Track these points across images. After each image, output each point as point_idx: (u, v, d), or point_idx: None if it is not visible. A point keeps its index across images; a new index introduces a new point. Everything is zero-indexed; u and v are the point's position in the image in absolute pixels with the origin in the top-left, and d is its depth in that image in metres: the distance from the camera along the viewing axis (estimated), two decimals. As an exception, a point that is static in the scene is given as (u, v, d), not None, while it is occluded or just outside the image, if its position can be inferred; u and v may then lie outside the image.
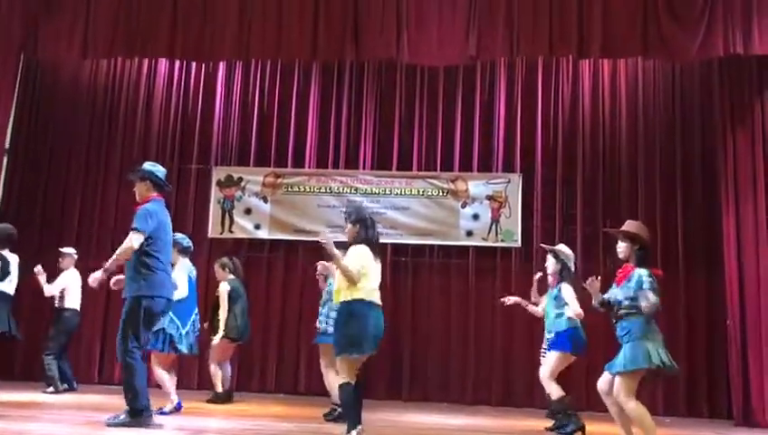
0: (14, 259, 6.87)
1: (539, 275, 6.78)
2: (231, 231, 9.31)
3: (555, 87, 9.25)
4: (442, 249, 9.12)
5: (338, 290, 4.78)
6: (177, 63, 9.64)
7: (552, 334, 6.08)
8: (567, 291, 5.91)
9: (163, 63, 9.69)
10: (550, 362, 5.96)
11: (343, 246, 4.92)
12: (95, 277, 4.93)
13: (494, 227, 9.07)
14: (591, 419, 6.15)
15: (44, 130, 9.58)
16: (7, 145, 9.19)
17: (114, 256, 4.93)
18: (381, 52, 7.98)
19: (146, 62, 9.67)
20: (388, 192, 9.21)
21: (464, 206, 9.14)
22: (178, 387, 6.36)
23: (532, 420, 7.03)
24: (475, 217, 9.10)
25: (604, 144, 9.10)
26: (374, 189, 9.24)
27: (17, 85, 9.20)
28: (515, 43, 7.65)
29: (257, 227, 9.31)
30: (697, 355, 8.37)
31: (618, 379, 4.56)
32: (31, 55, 8.96)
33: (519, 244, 8.94)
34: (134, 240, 4.88)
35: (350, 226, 4.88)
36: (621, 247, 4.85)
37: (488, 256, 9.05)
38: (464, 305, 8.94)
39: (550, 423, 6.08)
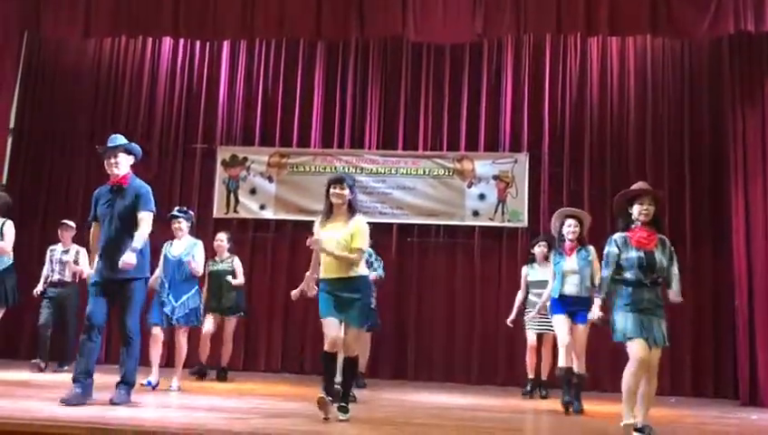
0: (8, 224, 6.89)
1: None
2: (236, 211, 9.28)
3: (563, 65, 9.16)
4: (448, 229, 9.08)
5: (338, 264, 4.69)
6: (182, 43, 9.58)
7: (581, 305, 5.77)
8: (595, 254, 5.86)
9: (167, 43, 9.62)
10: (586, 335, 5.88)
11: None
12: (130, 258, 4.83)
13: (500, 207, 9.02)
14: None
15: (48, 110, 9.54)
16: (12, 125, 9.20)
17: (141, 237, 4.92)
18: (387, 29, 7.92)
19: (150, 41, 9.61)
20: (393, 172, 9.16)
21: (470, 186, 9.09)
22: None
23: (539, 400, 7.04)
24: (482, 197, 9.05)
25: (612, 123, 9.01)
26: (380, 169, 9.18)
27: (20, 65, 9.19)
28: (522, 19, 7.57)
29: (262, 207, 9.29)
30: (704, 336, 8.35)
31: (659, 352, 4.53)
32: (33, 34, 8.92)
33: (526, 224, 8.90)
34: (151, 221, 5.00)
35: (347, 190, 4.76)
36: (650, 211, 4.61)
37: (494, 236, 9.01)
38: (469, 286, 8.92)
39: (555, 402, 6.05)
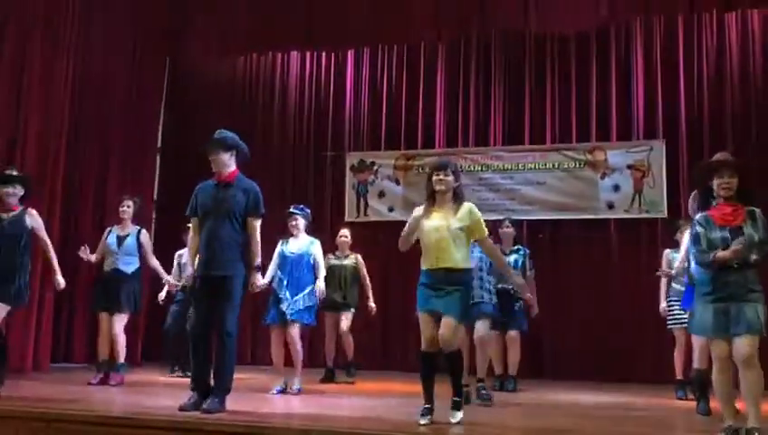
0: None
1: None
2: (366, 214, 9.49)
3: (698, 45, 8.65)
4: (581, 224, 8.80)
5: (453, 255, 4.34)
6: (309, 55, 9.95)
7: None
8: None
9: (295, 56, 10.03)
10: None
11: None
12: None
13: (636, 197, 8.63)
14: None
15: (189, 128, 10.17)
16: (159, 145, 9.93)
17: (258, 248, 4.79)
18: (508, 22, 7.83)
19: (279, 55, 10.06)
20: (521, 167, 9.01)
21: (603, 177, 8.77)
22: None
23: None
24: (616, 188, 8.70)
25: (757, 105, 8.40)
26: (506, 165, 9.07)
27: (165, 88, 9.93)
28: (652, 0, 7.22)
29: (391, 209, 9.43)
30: None
31: (750, 340, 3.88)
32: (175, 60, 9.62)
33: (665, 214, 8.45)
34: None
35: (451, 176, 4.43)
36: (732, 183, 4.07)
37: (632, 228, 8.64)
38: (607, 281, 8.59)
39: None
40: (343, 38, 9.07)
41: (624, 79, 8.83)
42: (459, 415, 4.30)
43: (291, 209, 6.37)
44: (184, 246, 6.74)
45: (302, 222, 6.29)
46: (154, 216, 9.58)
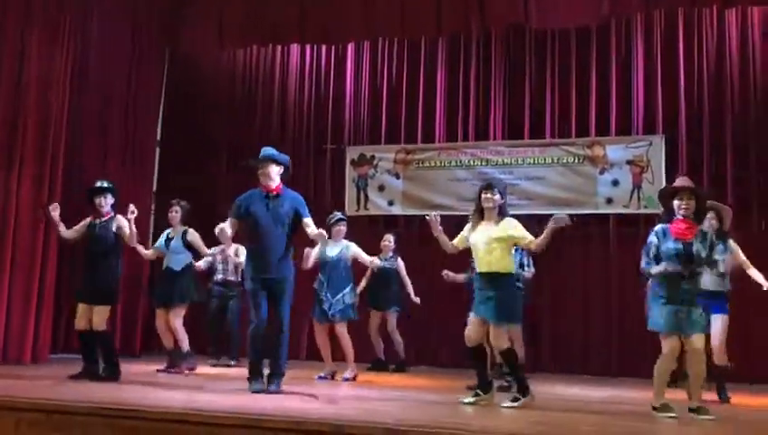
0: None
1: None
2: (366, 208, 9.50)
3: (698, 41, 8.66)
4: (580, 219, 8.79)
5: (493, 261, 5.00)
6: (308, 48, 9.94)
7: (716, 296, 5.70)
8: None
9: (294, 49, 10.02)
10: (723, 327, 5.75)
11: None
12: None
13: (635, 193, 8.65)
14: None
15: (189, 121, 10.18)
16: (159, 136, 9.93)
17: (321, 235, 5.33)
18: (508, 18, 7.81)
19: (278, 49, 10.04)
20: (520, 162, 9.02)
21: (602, 172, 8.79)
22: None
23: (679, 392, 6.68)
24: (615, 183, 8.73)
25: (756, 100, 8.42)
26: (506, 160, 9.08)
27: (164, 81, 9.91)
28: (652, -5, 7.23)
29: (391, 203, 9.45)
30: None
31: (699, 339, 4.71)
32: (174, 51, 9.58)
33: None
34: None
35: (497, 195, 5.09)
36: (690, 205, 4.79)
37: (631, 223, 8.65)
38: (605, 276, 8.62)
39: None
40: (343, 32, 9.04)
41: (624, 74, 8.84)
42: (510, 404, 4.86)
43: (340, 216, 6.94)
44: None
45: (344, 228, 6.88)
46: (153, 207, 9.57)
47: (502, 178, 8.90)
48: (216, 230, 5.38)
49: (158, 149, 9.90)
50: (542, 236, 5.00)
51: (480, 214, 5.16)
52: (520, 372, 5.07)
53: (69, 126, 7.94)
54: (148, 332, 8.98)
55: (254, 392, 5.10)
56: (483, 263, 5.04)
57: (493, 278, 4.99)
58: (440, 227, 5.18)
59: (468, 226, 5.23)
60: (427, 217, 5.18)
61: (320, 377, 6.62)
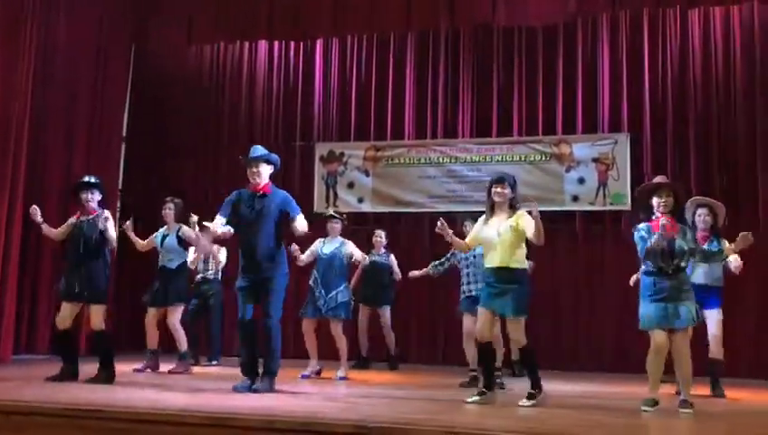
0: None
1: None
2: (335, 205, 9.45)
3: (662, 41, 8.79)
4: (547, 216, 8.87)
5: (505, 256, 4.90)
6: (276, 44, 9.87)
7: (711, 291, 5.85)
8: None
9: (263, 45, 9.94)
10: (718, 322, 5.85)
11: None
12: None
13: (601, 190, 8.77)
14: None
15: (156, 116, 10.05)
16: (124, 133, 9.79)
17: (305, 226, 5.30)
18: (476, 16, 7.86)
19: (246, 45, 9.96)
20: (488, 160, 9.08)
21: (568, 170, 8.89)
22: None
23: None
24: (581, 180, 8.83)
25: (718, 99, 8.58)
26: (474, 157, 9.14)
27: (130, 76, 9.78)
28: (618, -5, 7.32)
29: (360, 200, 9.45)
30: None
31: (686, 335, 4.81)
32: (141, 46, 9.46)
33: (629, 207, 8.59)
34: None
35: (508, 188, 5.03)
36: (669, 202, 4.84)
37: (597, 220, 8.78)
38: (572, 273, 8.72)
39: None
40: (312, 28, 9.02)
41: (590, 73, 8.94)
42: (527, 402, 4.82)
43: (333, 213, 7.07)
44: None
45: (340, 226, 6.92)
46: (119, 203, 9.44)
47: (471, 175, 9.06)
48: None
49: (123, 146, 9.76)
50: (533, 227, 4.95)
51: (491, 209, 5.08)
52: (537, 369, 4.97)
53: (32, 125, 7.80)
54: (128, 330, 8.86)
55: (234, 391, 5.06)
56: (496, 257, 4.93)
57: (508, 272, 4.90)
58: (450, 231, 5.12)
59: (480, 221, 5.16)
60: (438, 229, 5.09)
61: (303, 375, 6.53)
